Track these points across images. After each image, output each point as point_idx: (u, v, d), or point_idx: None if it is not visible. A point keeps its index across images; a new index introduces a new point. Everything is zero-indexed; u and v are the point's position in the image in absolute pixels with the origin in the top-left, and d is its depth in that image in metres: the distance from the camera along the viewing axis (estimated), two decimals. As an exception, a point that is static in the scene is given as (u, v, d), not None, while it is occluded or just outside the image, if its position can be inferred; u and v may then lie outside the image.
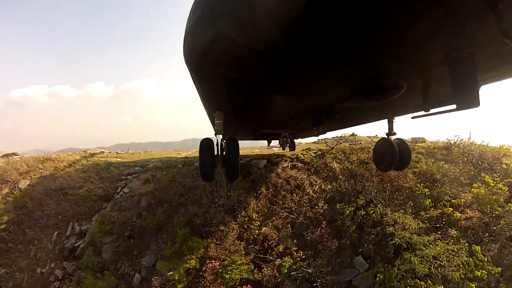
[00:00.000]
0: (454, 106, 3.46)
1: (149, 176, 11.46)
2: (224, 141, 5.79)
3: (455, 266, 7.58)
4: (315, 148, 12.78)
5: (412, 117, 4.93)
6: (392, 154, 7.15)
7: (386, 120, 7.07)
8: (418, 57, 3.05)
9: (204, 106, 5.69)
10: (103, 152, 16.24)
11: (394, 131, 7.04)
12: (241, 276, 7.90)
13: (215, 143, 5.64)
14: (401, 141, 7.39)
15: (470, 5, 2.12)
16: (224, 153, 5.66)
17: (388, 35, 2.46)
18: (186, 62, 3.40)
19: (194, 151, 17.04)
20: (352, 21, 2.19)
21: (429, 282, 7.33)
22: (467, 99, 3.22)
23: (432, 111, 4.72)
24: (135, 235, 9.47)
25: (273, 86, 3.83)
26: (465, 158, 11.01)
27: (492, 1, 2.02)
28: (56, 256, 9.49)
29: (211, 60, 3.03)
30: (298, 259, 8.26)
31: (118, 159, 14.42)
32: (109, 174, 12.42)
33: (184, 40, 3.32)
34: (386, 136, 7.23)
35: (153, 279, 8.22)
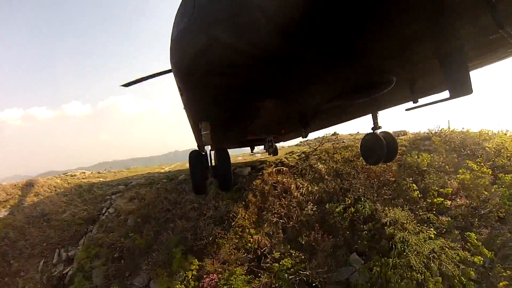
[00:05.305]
0: (447, 95, 3.49)
1: (133, 194, 11.20)
2: (213, 152, 5.69)
3: (451, 258, 7.71)
4: (298, 151, 12.76)
5: (406, 109, 4.97)
6: (380, 147, 7.24)
7: (370, 115, 7.15)
8: (410, 53, 3.10)
9: (189, 117, 5.56)
10: (84, 172, 15.78)
11: (379, 124, 7.14)
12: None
13: (202, 155, 5.51)
14: (387, 134, 7.46)
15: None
16: (214, 164, 5.54)
17: (383, 36, 2.50)
18: (175, 71, 3.26)
19: (177, 164, 16.88)
20: (349, 24, 2.20)
21: (427, 273, 7.39)
22: (460, 88, 3.28)
23: (425, 102, 4.80)
24: (125, 256, 9.15)
25: (266, 91, 3.79)
26: (448, 147, 11.22)
27: None
28: (44, 286, 9.06)
29: (204, 67, 2.92)
30: (294, 262, 8.20)
31: (101, 179, 14.04)
32: (92, 195, 12.04)
33: (171, 48, 3.15)
34: (372, 131, 7.31)
35: (147, 300, 7.98)
